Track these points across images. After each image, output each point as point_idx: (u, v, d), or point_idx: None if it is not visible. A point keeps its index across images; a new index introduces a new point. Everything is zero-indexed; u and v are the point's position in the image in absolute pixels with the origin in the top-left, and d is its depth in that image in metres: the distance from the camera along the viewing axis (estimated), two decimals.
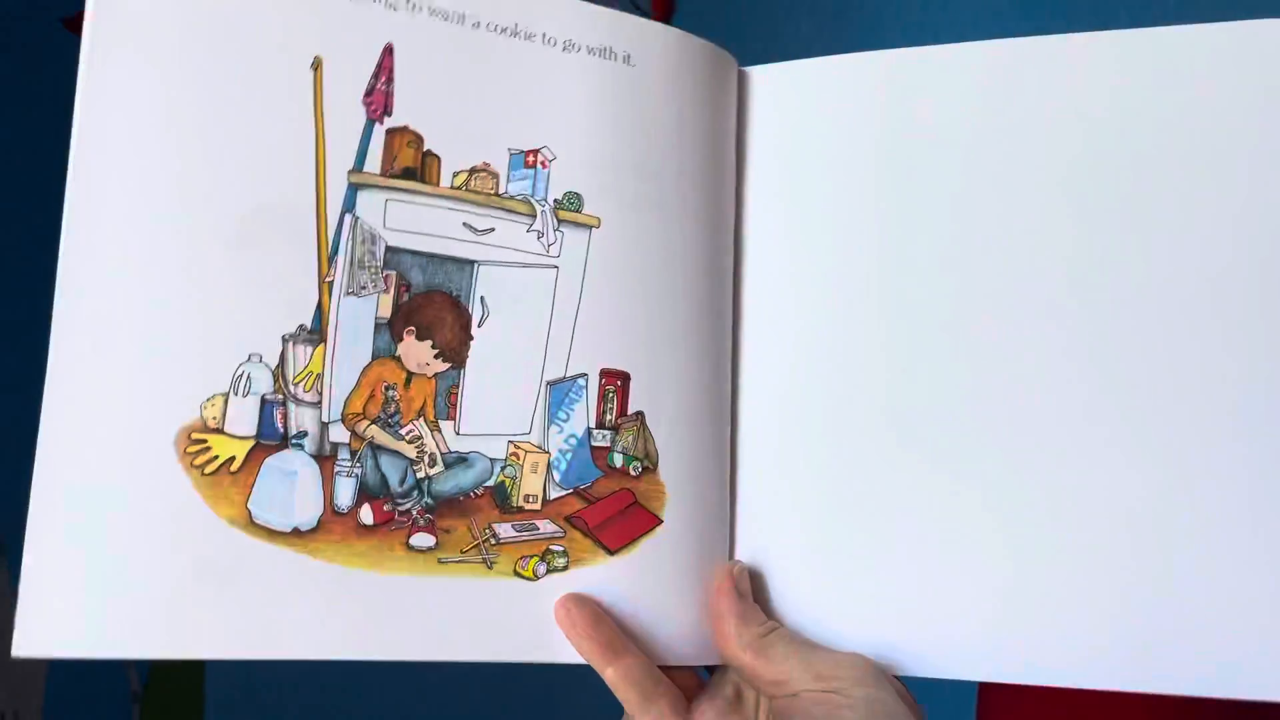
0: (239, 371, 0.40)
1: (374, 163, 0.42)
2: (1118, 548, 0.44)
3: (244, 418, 0.40)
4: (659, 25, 0.47)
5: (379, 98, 0.42)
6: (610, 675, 0.42)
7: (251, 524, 0.40)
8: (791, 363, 0.48)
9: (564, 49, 0.45)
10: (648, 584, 0.45)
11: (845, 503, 0.46)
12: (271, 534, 0.40)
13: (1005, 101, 0.47)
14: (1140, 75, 0.46)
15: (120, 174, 0.39)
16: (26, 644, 0.38)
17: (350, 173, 0.42)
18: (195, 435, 0.40)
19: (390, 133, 0.43)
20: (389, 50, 0.43)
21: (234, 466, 0.40)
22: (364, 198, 0.42)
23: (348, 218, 0.42)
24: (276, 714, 1.15)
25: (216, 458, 0.40)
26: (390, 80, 0.43)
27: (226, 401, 0.40)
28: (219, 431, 0.40)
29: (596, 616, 0.43)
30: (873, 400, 0.46)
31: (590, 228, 0.45)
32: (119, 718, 0.99)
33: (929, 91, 0.47)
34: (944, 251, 0.47)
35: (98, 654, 0.39)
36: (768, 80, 0.49)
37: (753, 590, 0.46)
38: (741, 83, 0.50)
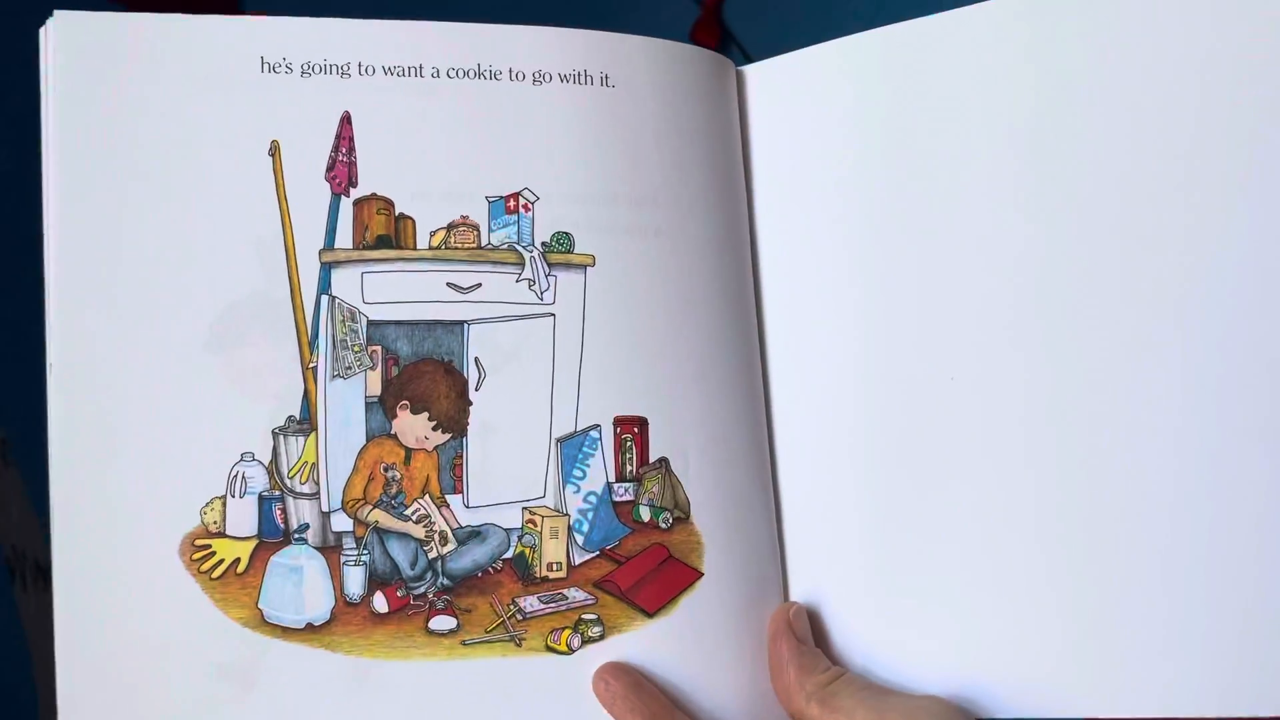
0: (233, 472, 0.39)
1: (345, 237, 0.41)
2: (1202, 567, 0.37)
3: (244, 518, 0.39)
4: (638, 39, 0.44)
5: (341, 170, 0.41)
6: None
7: (264, 623, 0.39)
8: (826, 381, 0.43)
9: (534, 81, 0.42)
10: (694, 644, 0.41)
11: (903, 530, 0.41)
12: (286, 631, 0.39)
13: (1017, 63, 0.41)
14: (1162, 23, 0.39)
15: (94, 288, 0.39)
16: None
17: (321, 252, 0.41)
18: (199, 541, 0.39)
19: (358, 203, 0.41)
20: (346, 119, 0.41)
21: (240, 568, 0.39)
22: (339, 275, 0.41)
23: (324, 299, 0.40)
24: None
25: (222, 561, 0.39)
26: (351, 150, 0.41)
27: (225, 504, 0.39)
28: (221, 535, 0.39)
29: (638, 685, 0.40)
30: (920, 415, 0.41)
31: (585, 267, 0.42)
32: None
33: (935, 63, 0.42)
34: (980, 240, 0.41)
35: None
36: (761, 77, 0.45)
37: (812, 634, 0.42)
38: (740, 85, 0.45)
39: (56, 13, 0.40)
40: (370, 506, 0.40)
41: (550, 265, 0.42)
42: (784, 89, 0.44)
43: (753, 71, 0.45)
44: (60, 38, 0.40)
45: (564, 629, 0.41)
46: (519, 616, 0.40)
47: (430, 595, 0.40)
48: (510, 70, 0.42)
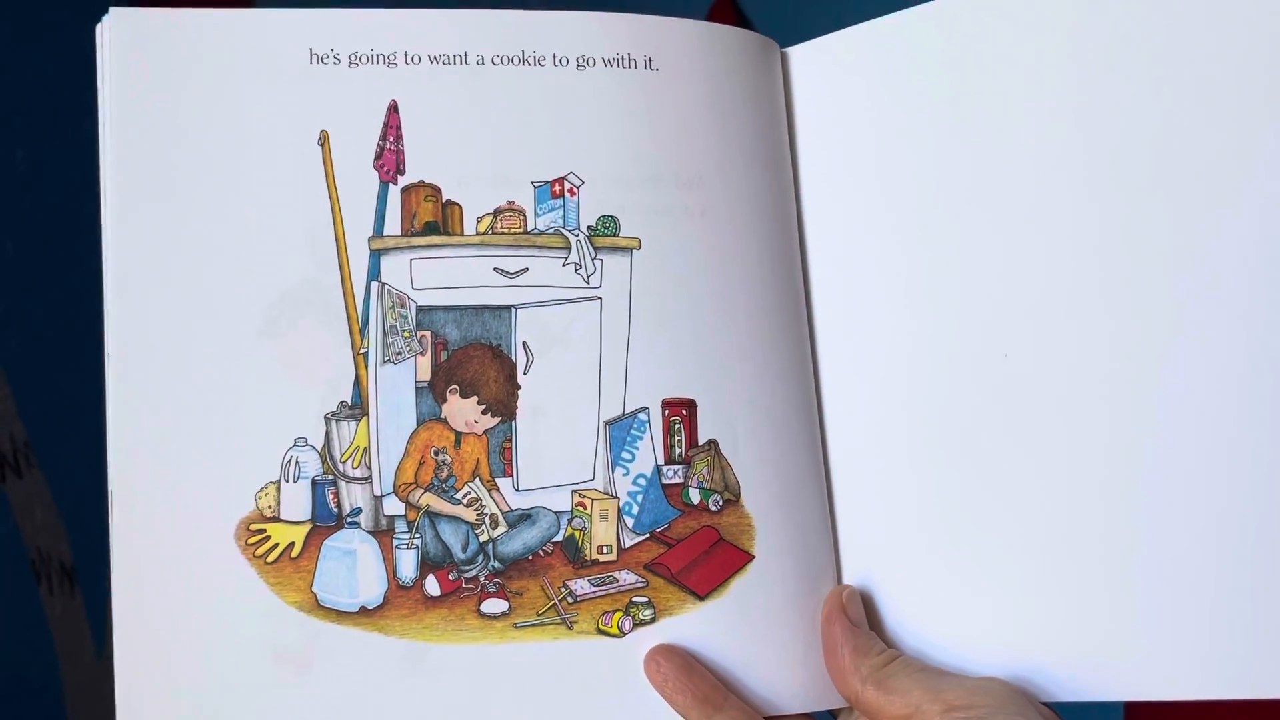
0: (287, 457, 0.40)
1: (393, 224, 0.41)
2: (1262, 547, 0.36)
3: (297, 503, 0.40)
4: (682, 21, 0.44)
5: (389, 158, 0.41)
6: None
7: (319, 607, 0.40)
8: (876, 360, 0.42)
9: (578, 66, 0.43)
10: (745, 627, 0.41)
11: (958, 511, 0.40)
12: (340, 615, 0.40)
13: (1063, 36, 0.40)
14: None
15: (150, 277, 0.40)
16: None
17: (371, 239, 0.41)
18: (254, 526, 0.40)
19: (405, 191, 0.41)
20: (393, 108, 0.41)
21: (294, 552, 0.40)
22: (388, 262, 0.41)
23: (374, 286, 0.41)
24: None
25: (276, 545, 0.40)
26: (399, 138, 0.41)
27: (279, 489, 0.40)
28: (275, 519, 0.40)
29: (689, 667, 0.40)
30: (974, 394, 0.40)
31: (631, 250, 0.42)
32: None
33: (980, 41, 0.41)
34: (1032, 215, 0.40)
35: None
36: (807, 58, 0.44)
37: (866, 616, 0.41)
38: (784, 65, 0.45)
39: (112, 10, 0.41)
40: (422, 490, 0.41)
41: (596, 249, 0.42)
42: (829, 69, 0.44)
43: (797, 52, 0.45)
44: (116, 34, 0.41)
45: (615, 612, 0.40)
46: (570, 599, 0.41)
47: (482, 578, 0.40)
48: (554, 56, 0.43)
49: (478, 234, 0.42)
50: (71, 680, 0.87)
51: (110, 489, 0.39)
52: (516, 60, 0.42)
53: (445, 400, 0.41)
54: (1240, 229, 0.38)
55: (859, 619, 0.41)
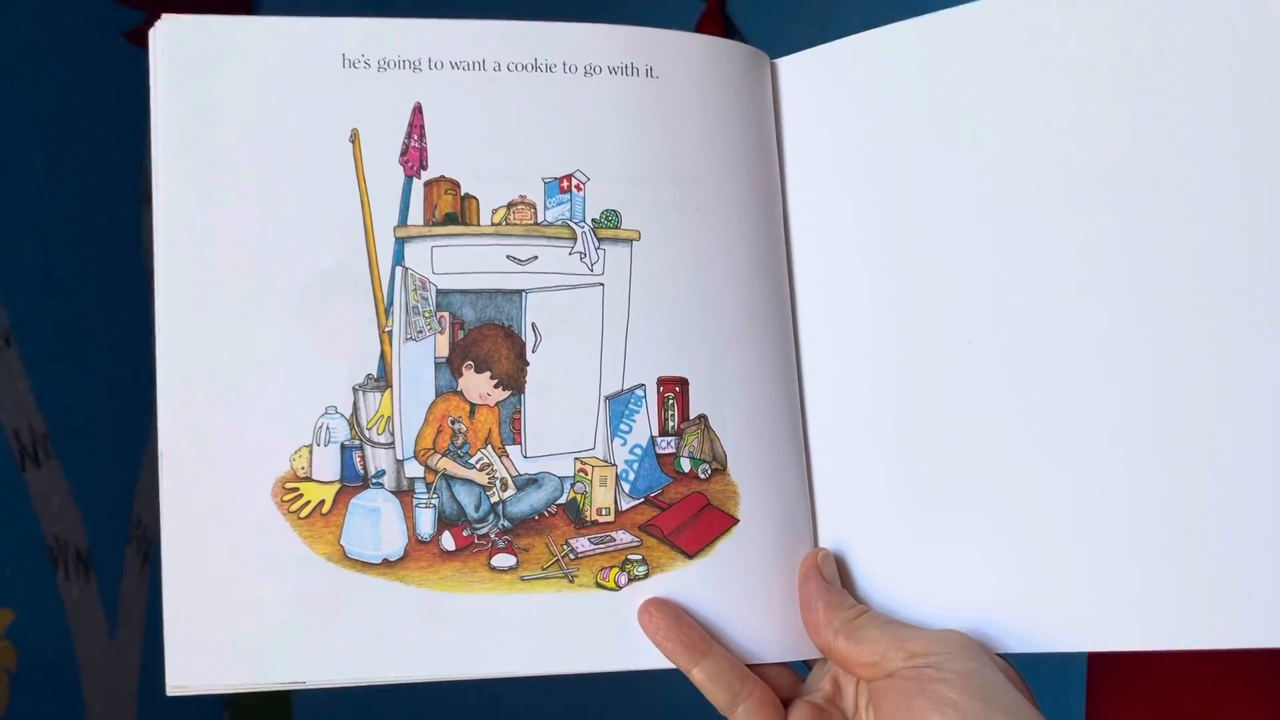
0: (319, 424, 0.44)
1: (416, 215, 0.46)
2: (1205, 499, 0.40)
3: (328, 464, 0.44)
4: (681, 34, 0.48)
5: (413, 154, 0.46)
6: (697, 675, 0.43)
7: (346, 558, 0.44)
8: (852, 345, 0.47)
9: (585, 73, 0.47)
10: (730, 584, 0.45)
11: (923, 480, 0.45)
12: (364, 565, 0.44)
13: (1046, 54, 0.44)
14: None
15: (198, 264, 0.44)
16: (176, 682, 0.43)
17: (396, 228, 0.45)
18: (288, 485, 0.44)
19: (428, 184, 0.46)
20: (418, 109, 0.46)
21: (325, 509, 0.44)
22: (411, 249, 0.45)
23: (398, 270, 0.45)
24: (364, 712, 1.20)
25: (309, 502, 0.44)
26: (422, 136, 0.46)
27: (311, 452, 0.44)
28: (308, 479, 0.44)
29: (678, 618, 0.44)
30: (938, 372, 0.45)
31: (631, 241, 0.46)
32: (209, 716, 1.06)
33: (960, 56, 0.45)
34: (992, 216, 0.44)
35: (233, 686, 0.44)
36: (795, 69, 0.49)
37: (839, 577, 0.46)
38: (774, 75, 0.49)
39: (164, 16, 0.45)
40: (439, 455, 0.45)
41: (600, 240, 0.46)
42: (814, 78, 0.48)
43: (785, 63, 0.49)
44: (166, 38, 0.45)
45: (612, 568, 0.45)
46: (572, 556, 0.45)
47: (492, 535, 0.45)
48: (564, 64, 0.47)
49: (492, 224, 0.46)
50: (87, 659, 0.92)
51: (160, 450, 0.44)
52: (529, 67, 0.47)
53: (461, 375, 0.45)
54: (1184, 234, 0.42)
55: (832, 578, 0.45)
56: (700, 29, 1.10)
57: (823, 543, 0.47)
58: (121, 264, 1.00)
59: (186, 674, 0.43)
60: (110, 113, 0.96)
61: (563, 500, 0.45)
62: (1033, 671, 0.43)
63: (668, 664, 0.44)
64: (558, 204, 0.46)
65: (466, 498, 0.45)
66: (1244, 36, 0.42)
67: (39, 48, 0.90)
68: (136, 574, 0.97)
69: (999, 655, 0.43)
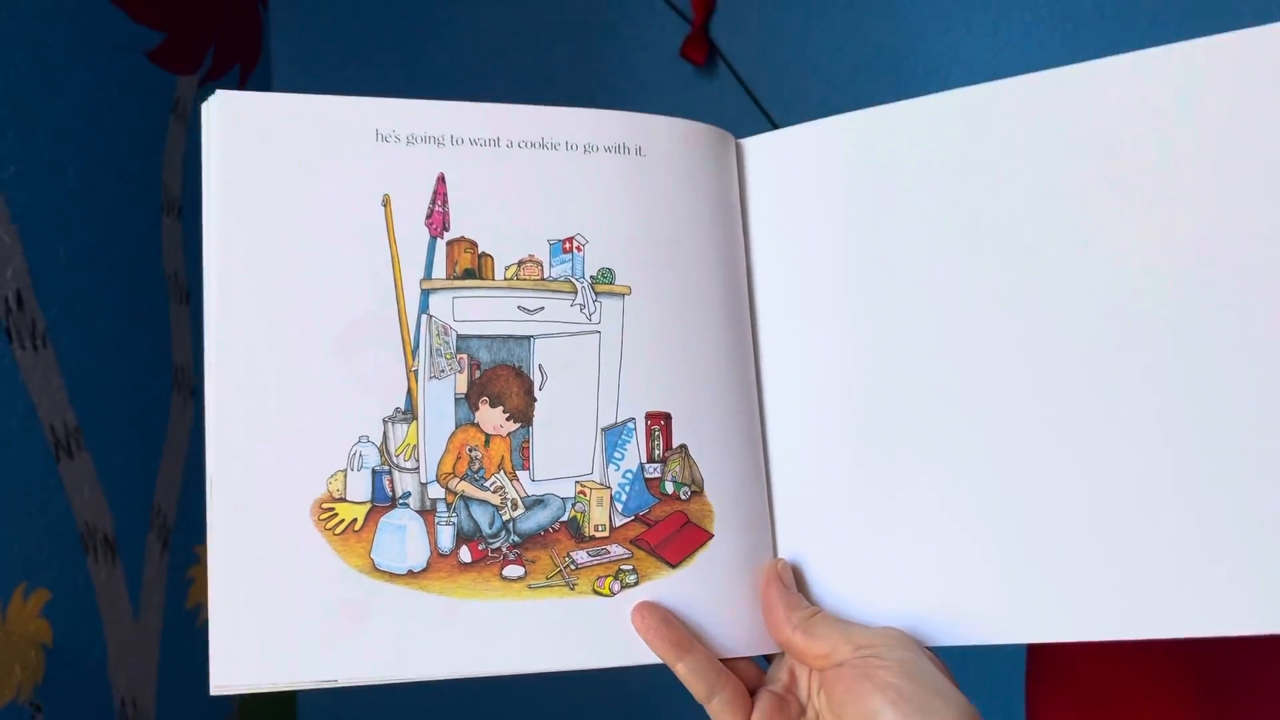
0: (353, 451, 0.50)
1: (440, 270, 0.52)
2: (1107, 515, 0.50)
3: (360, 487, 0.50)
4: (664, 119, 0.56)
5: (437, 217, 0.52)
6: (681, 669, 0.50)
7: (375, 570, 0.50)
8: (807, 386, 0.55)
9: (585, 151, 0.55)
10: (706, 589, 0.53)
11: (865, 501, 0.53)
12: (392, 576, 0.50)
13: (980, 147, 0.53)
14: (1124, 98, 0.52)
15: (246, 311, 0.50)
16: (220, 682, 0.49)
17: (422, 281, 0.52)
18: (325, 505, 0.50)
19: (450, 243, 0.53)
20: (441, 178, 0.53)
21: (357, 526, 0.50)
22: (435, 299, 0.52)
23: (424, 318, 0.52)
24: (367, 710, 1.25)
25: (343, 521, 0.50)
26: (445, 202, 0.53)
27: (346, 476, 0.50)
28: (343, 500, 0.50)
29: (667, 619, 0.51)
30: (882, 411, 0.53)
31: (623, 295, 0.54)
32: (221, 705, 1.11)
33: (901, 144, 0.54)
34: (929, 283, 0.53)
35: (272, 685, 0.49)
36: (757, 149, 0.57)
37: (796, 582, 0.53)
38: (739, 153, 0.58)
39: (218, 91, 0.51)
40: (458, 479, 0.52)
41: (597, 294, 0.54)
42: (773, 156, 0.57)
43: (750, 143, 0.58)
44: (218, 112, 0.51)
45: (607, 576, 0.52)
46: (572, 566, 0.52)
47: (504, 549, 0.51)
48: (566, 143, 0.54)
49: (505, 279, 0.53)
50: (113, 638, 0.95)
51: (209, 474, 0.49)
52: (537, 145, 0.54)
53: (478, 409, 0.52)
54: (1156, 286, 0.51)
55: (790, 583, 0.53)
56: (685, 50, 1.15)
57: (781, 554, 0.55)
58: (142, 271, 1.04)
59: (229, 675, 0.48)
60: (133, 128, 1.01)
61: (565, 518, 0.52)
62: (976, 675, 0.51)
63: (656, 660, 0.51)
64: (561, 262, 0.54)
65: (482, 516, 0.52)
66: None
67: (71, 69, 0.93)
68: (157, 560, 1.00)
69: (929, 648, 0.51)
